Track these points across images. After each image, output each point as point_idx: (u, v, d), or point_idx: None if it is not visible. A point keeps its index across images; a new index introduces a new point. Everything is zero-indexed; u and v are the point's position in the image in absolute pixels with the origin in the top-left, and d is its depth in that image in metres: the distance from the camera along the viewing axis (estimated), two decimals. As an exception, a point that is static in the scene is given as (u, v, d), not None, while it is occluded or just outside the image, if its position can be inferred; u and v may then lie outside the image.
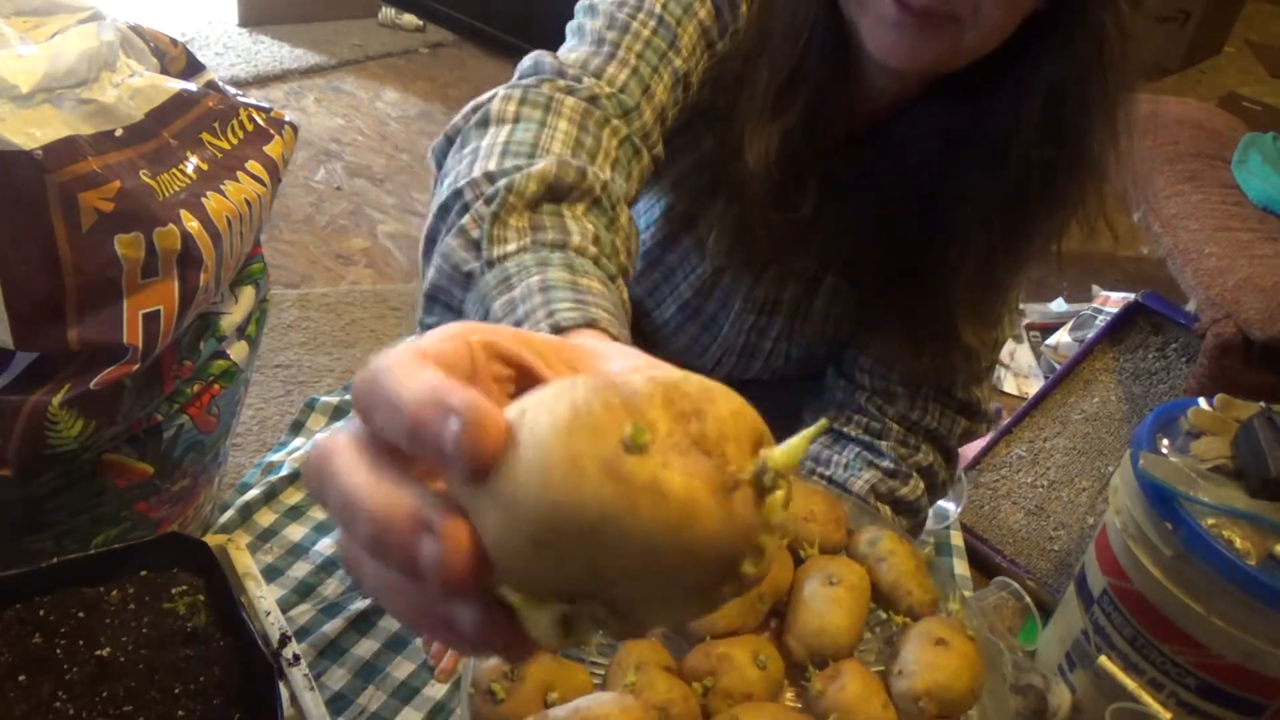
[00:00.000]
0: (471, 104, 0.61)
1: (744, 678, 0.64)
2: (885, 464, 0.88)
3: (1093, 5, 0.66)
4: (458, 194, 0.54)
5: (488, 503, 0.26)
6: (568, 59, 0.65)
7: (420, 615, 0.28)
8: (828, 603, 0.69)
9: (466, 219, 0.52)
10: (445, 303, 0.53)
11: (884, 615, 0.73)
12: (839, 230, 0.84)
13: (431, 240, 0.55)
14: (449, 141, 0.61)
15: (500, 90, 0.61)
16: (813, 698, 0.65)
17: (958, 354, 0.87)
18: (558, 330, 0.42)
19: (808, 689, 0.66)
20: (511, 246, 0.50)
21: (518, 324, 0.44)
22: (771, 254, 0.85)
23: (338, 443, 0.28)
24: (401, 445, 0.27)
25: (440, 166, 0.61)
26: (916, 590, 0.72)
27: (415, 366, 0.27)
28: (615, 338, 0.42)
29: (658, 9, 0.68)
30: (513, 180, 0.52)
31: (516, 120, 0.59)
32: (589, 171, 0.55)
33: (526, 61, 0.65)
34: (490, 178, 0.54)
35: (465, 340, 0.30)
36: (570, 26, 0.71)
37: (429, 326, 0.50)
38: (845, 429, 0.91)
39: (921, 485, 0.89)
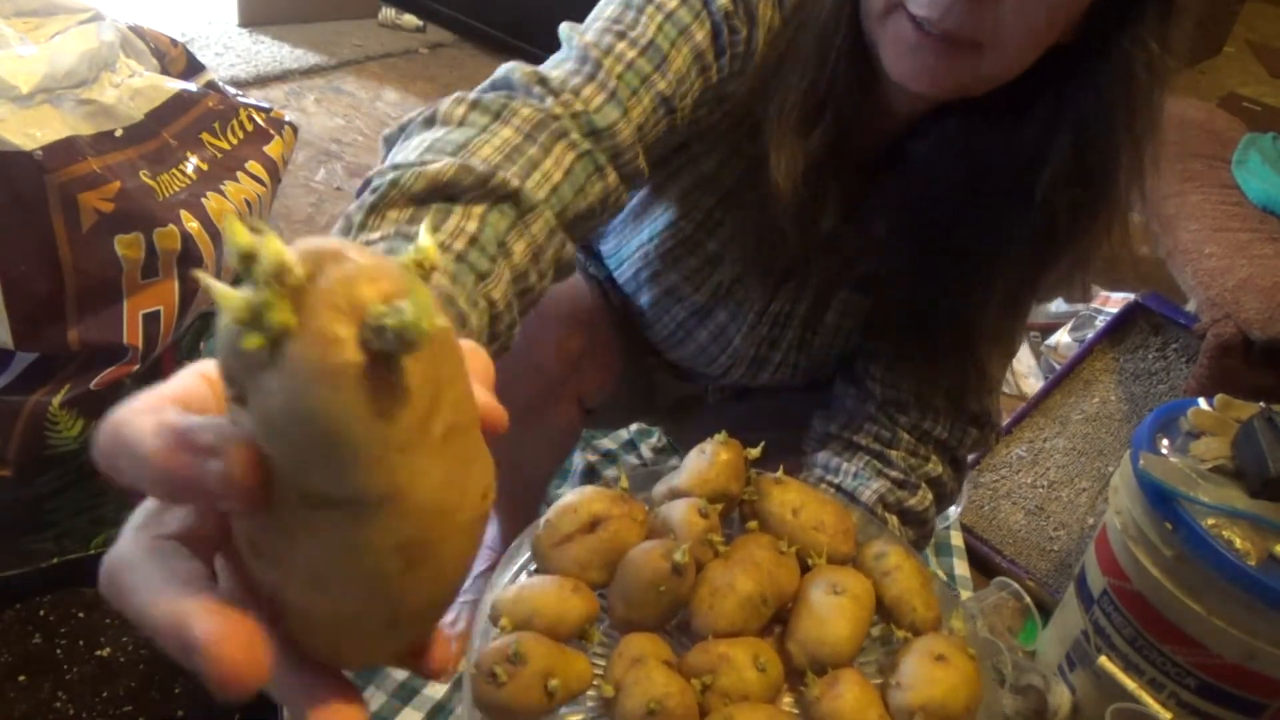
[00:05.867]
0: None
1: (742, 678, 0.64)
2: (894, 474, 0.88)
3: (1122, 45, 0.66)
4: (366, 181, 0.55)
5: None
6: (547, 74, 0.64)
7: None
8: (830, 610, 0.69)
9: (354, 204, 0.53)
10: None
11: (887, 629, 0.73)
12: (859, 247, 0.84)
13: None
14: (401, 130, 0.62)
15: (459, 94, 0.62)
16: (809, 703, 0.65)
17: (971, 367, 0.87)
18: None
19: (805, 694, 0.66)
20: (376, 235, 0.51)
21: None
22: (789, 271, 0.86)
23: (132, 559, 0.27)
24: (156, 496, 0.26)
25: (387, 153, 0.62)
26: (920, 606, 0.71)
27: (152, 412, 0.26)
28: None
29: (651, 30, 0.67)
30: (401, 176, 0.53)
31: (460, 123, 0.59)
32: (496, 175, 0.56)
33: (500, 71, 0.65)
34: (395, 168, 0.54)
35: (203, 375, 0.29)
36: (562, 31, 0.70)
37: None
38: (855, 438, 0.91)
39: (930, 496, 0.89)
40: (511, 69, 0.64)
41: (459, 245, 0.53)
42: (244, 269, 0.24)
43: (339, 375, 0.23)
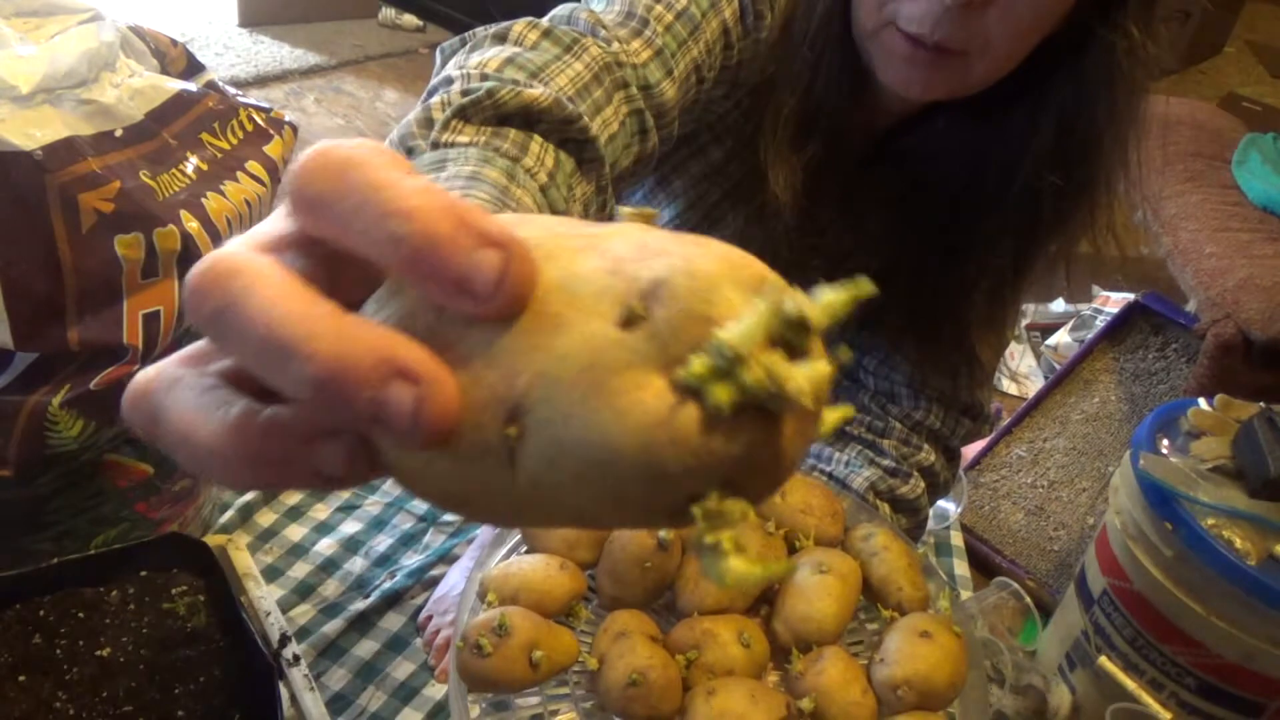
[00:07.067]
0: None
1: (726, 654, 0.65)
2: (886, 462, 0.88)
3: (1103, 31, 0.67)
4: (447, 80, 0.53)
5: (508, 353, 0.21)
6: (603, 19, 0.63)
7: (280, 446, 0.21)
8: (815, 589, 0.69)
9: (436, 100, 0.50)
10: None
11: (875, 609, 0.74)
12: (852, 243, 0.85)
13: None
14: (463, 44, 0.61)
15: (529, 18, 0.60)
16: (793, 679, 0.65)
17: (963, 358, 0.87)
18: None
19: (789, 670, 0.67)
20: (463, 138, 0.48)
21: None
22: (785, 267, 0.86)
23: (249, 257, 0.20)
24: (381, 262, 0.20)
25: (445, 65, 0.60)
26: (907, 586, 0.72)
27: (401, 170, 0.20)
28: None
29: None
30: (498, 88, 0.51)
31: (534, 47, 0.58)
32: (581, 121, 0.54)
33: (562, 9, 0.64)
34: (484, 76, 0.53)
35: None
36: None
37: None
38: (848, 427, 0.91)
39: (922, 484, 0.89)
40: (575, 8, 0.64)
41: (542, 177, 0.50)
42: (781, 329, 0.21)
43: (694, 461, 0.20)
